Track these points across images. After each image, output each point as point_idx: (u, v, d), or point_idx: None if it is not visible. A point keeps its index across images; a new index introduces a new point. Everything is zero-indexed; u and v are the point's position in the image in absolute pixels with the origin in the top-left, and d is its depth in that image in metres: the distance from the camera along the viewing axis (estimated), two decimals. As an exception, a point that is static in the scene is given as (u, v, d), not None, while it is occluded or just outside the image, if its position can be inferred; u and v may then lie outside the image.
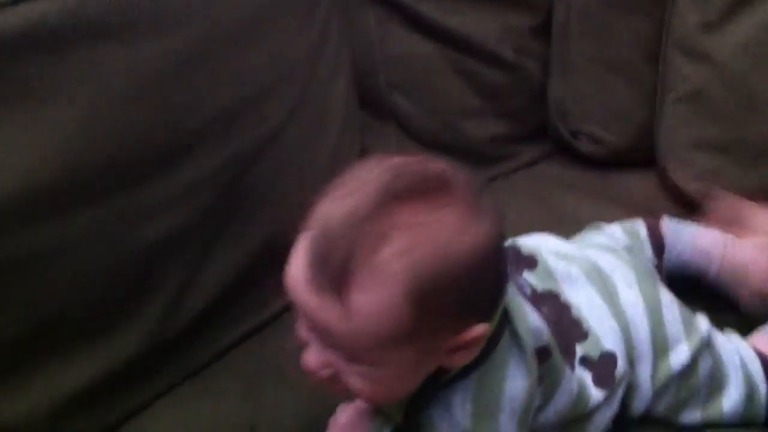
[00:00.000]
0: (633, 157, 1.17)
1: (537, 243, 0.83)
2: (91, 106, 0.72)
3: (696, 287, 0.91)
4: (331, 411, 0.75)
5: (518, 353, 0.68)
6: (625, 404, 0.78)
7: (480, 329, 0.62)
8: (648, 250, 0.91)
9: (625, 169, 1.17)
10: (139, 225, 0.76)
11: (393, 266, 0.58)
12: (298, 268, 0.60)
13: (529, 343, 0.68)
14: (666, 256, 0.91)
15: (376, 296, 0.58)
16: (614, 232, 0.91)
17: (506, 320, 0.68)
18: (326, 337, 0.62)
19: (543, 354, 0.70)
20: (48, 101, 0.70)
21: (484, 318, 0.63)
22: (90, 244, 0.72)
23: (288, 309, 0.82)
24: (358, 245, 0.58)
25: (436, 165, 0.63)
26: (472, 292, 0.61)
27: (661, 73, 1.12)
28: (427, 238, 0.59)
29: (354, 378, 0.63)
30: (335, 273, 0.58)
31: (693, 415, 0.80)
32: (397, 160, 0.63)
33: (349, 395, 0.68)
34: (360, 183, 0.60)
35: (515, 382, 0.67)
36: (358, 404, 0.76)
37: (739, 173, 1.07)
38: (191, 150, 0.78)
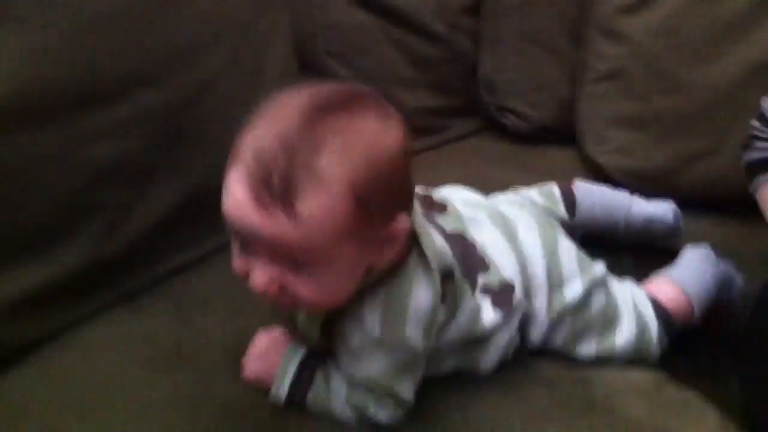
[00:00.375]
0: (555, 132, 1.25)
1: (449, 192, 0.90)
2: (43, 36, 0.76)
3: (605, 241, 1.00)
4: (251, 337, 0.79)
5: (424, 271, 0.73)
6: (524, 336, 0.84)
7: (405, 220, 0.68)
8: (561, 208, 0.98)
9: (549, 143, 1.25)
10: (84, 148, 0.79)
11: (333, 170, 0.63)
12: (238, 195, 0.64)
13: (434, 262, 0.73)
14: (577, 212, 0.99)
15: (322, 200, 0.62)
16: (530, 194, 0.98)
17: (415, 242, 0.74)
18: (276, 250, 0.65)
19: (446, 275, 0.75)
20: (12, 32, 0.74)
21: (407, 211, 0.70)
22: (38, 162, 0.76)
23: (222, 247, 0.87)
24: (295, 159, 0.62)
25: (343, 83, 0.69)
26: (397, 186, 0.68)
27: (582, 52, 1.20)
28: (357, 141, 0.64)
29: (300, 286, 0.67)
30: (279, 188, 0.62)
31: (588, 349, 0.86)
32: (307, 86, 0.68)
33: (294, 305, 0.72)
34: (280, 109, 0.65)
35: (420, 295, 0.72)
36: (274, 332, 0.81)
37: (652, 147, 1.15)
38: (134, 86, 0.83)
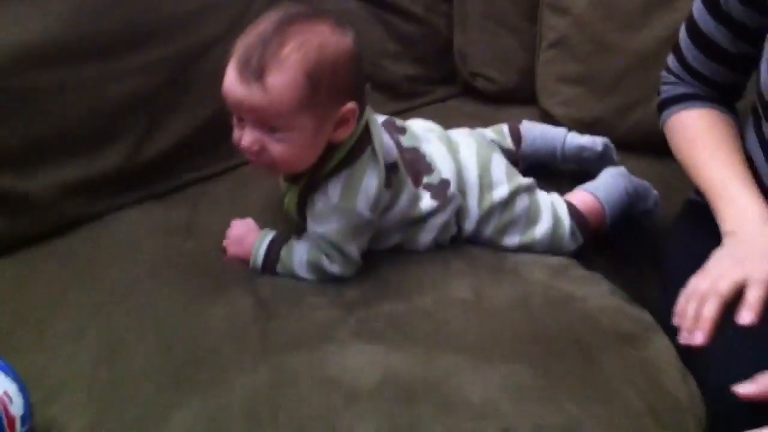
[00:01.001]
0: (518, 93, 1.49)
1: (412, 121, 1.16)
2: (81, 2, 1.08)
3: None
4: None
5: (374, 162, 0.99)
6: (459, 228, 1.09)
7: (351, 105, 0.95)
8: (508, 141, 1.22)
9: (513, 102, 1.49)
10: (114, 82, 1.11)
11: (292, 56, 0.91)
12: (229, 75, 0.93)
13: (381, 155, 0.99)
14: (522, 143, 1.23)
15: (284, 76, 0.91)
16: (484, 131, 1.22)
17: (368, 141, 0.99)
18: (254, 115, 0.93)
19: (392, 167, 1.02)
20: None
21: (356, 101, 0.96)
22: (74, 90, 1.08)
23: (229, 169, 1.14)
24: (267, 49, 0.91)
25: (313, 7, 0.98)
26: (345, 77, 0.95)
27: (536, 26, 1.44)
28: (311, 39, 0.93)
29: (275, 146, 0.94)
30: (254, 68, 0.91)
31: (512, 240, 1.10)
32: (285, 6, 0.96)
33: (271, 166, 0.97)
34: (262, 20, 0.95)
35: (370, 180, 0.98)
36: (247, 221, 1.07)
37: (595, 100, 1.38)
38: (147, 41, 1.14)
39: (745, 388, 0.79)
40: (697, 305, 0.90)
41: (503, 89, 1.50)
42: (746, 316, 0.86)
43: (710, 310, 0.88)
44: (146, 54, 1.13)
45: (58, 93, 1.05)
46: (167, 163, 1.15)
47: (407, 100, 1.49)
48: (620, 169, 1.21)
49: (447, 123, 1.19)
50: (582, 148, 1.24)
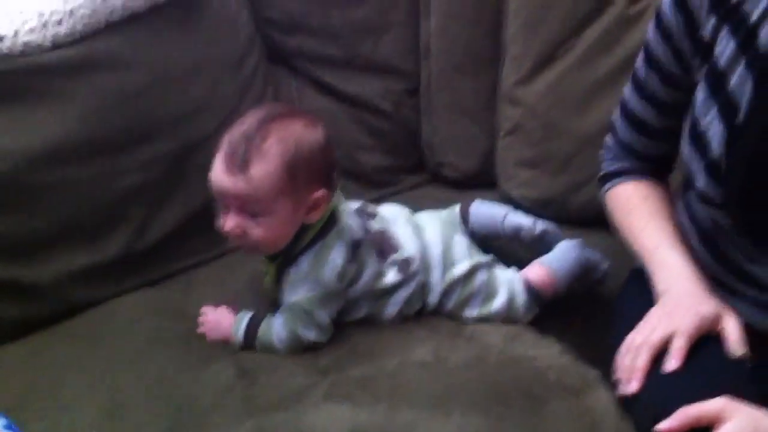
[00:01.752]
0: (481, 178, 1.63)
1: (382, 207, 1.30)
2: (90, 106, 1.23)
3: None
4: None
5: (340, 240, 1.14)
6: (423, 302, 1.21)
7: (323, 192, 1.10)
8: (458, 219, 1.34)
9: (477, 187, 1.62)
10: (118, 176, 1.26)
11: (272, 150, 1.06)
12: (216, 167, 1.09)
13: (347, 234, 1.14)
14: (469, 221, 1.34)
15: (264, 168, 1.06)
16: (443, 212, 1.35)
17: (337, 220, 1.14)
18: (238, 202, 1.08)
19: (357, 244, 1.16)
20: (66, 102, 1.21)
21: (326, 188, 1.10)
22: (85, 183, 1.22)
23: (218, 256, 1.28)
24: (251, 144, 1.07)
25: (291, 105, 1.12)
26: (317, 167, 1.10)
27: (494, 116, 1.60)
28: (289, 134, 1.08)
29: (255, 229, 1.09)
30: (239, 160, 1.06)
31: (472, 312, 1.22)
32: (264, 105, 1.14)
33: (252, 247, 1.11)
34: (246, 117, 1.11)
35: (337, 253, 1.13)
36: (220, 309, 1.19)
37: (548, 180, 1.51)
38: (150, 139, 1.29)
39: (664, 424, 0.90)
40: (632, 358, 1.02)
41: (467, 175, 1.64)
42: (671, 364, 0.98)
43: (642, 360, 1.00)
44: (145, 151, 1.28)
45: (67, 188, 1.21)
46: (163, 251, 1.29)
47: (379, 188, 1.63)
48: (575, 242, 1.33)
49: (416, 208, 1.32)
50: (519, 228, 1.33)
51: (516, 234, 1.34)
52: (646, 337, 1.02)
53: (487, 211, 1.37)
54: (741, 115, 0.96)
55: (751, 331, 1.00)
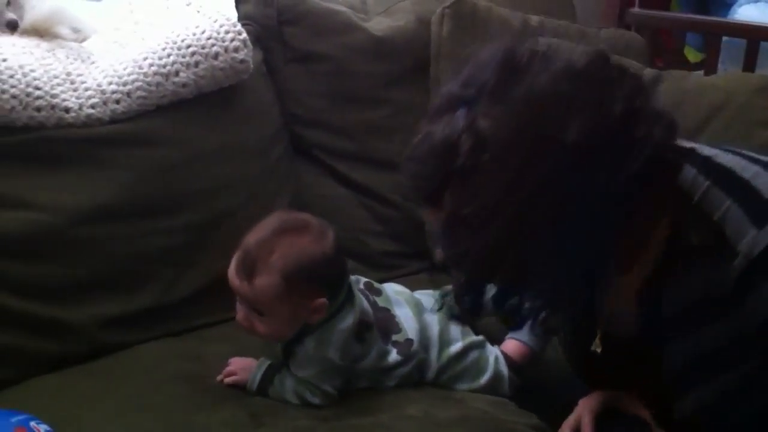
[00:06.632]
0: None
1: (387, 285, 1.45)
2: (133, 175, 1.41)
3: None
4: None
5: (346, 322, 1.27)
6: (422, 376, 1.34)
7: (322, 300, 1.24)
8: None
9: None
10: (148, 239, 1.42)
11: (276, 263, 1.21)
12: (231, 269, 1.24)
13: (357, 313, 1.28)
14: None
15: (267, 280, 1.21)
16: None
17: (349, 305, 1.28)
18: (246, 301, 1.24)
19: (366, 325, 1.30)
20: (114, 169, 1.39)
21: (327, 295, 1.24)
22: (123, 241, 1.39)
23: (232, 318, 1.42)
24: (259, 255, 1.22)
25: (304, 215, 1.30)
26: (318, 279, 1.24)
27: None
28: (293, 250, 1.23)
29: (260, 324, 1.24)
30: (248, 269, 1.22)
31: (462, 385, 1.35)
32: (283, 213, 1.31)
33: (258, 337, 1.27)
34: (264, 224, 1.26)
35: (340, 334, 1.26)
36: (244, 359, 1.31)
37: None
38: (181, 209, 1.46)
39: None
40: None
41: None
42: None
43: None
44: (176, 219, 1.45)
45: (107, 244, 1.37)
46: (186, 308, 1.43)
47: (386, 271, 1.76)
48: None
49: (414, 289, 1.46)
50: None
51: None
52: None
53: None
54: None
55: None
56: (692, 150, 1.01)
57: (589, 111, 0.90)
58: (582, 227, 0.92)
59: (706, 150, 1.01)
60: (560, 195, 0.90)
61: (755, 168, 0.96)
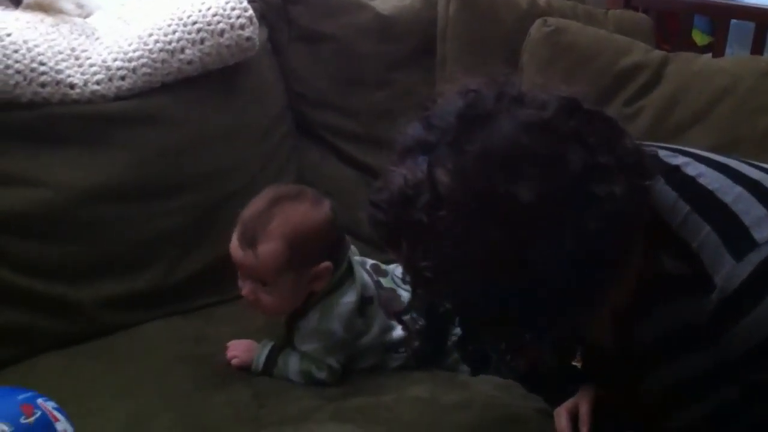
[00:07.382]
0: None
1: (391, 266, 1.43)
2: (136, 155, 1.40)
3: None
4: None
5: (349, 296, 1.27)
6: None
7: (325, 265, 1.23)
8: None
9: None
10: (152, 220, 1.41)
11: (277, 230, 1.21)
12: (233, 241, 1.24)
13: (359, 290, 1.28)
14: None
15: (270, 246, 1.21)
16: None
17: (347, 280, 1.28)
18: (249, 273, 1.22)
19: (368, 300, 1.30)
20: (118, 149, 1.38)
21: (330, 260, 1.24)
22: (126, 221, 1.38)
23: (234, 298, 1.41)
24: (258, 223, 1.22)
25: (298, 185, 1.30)
26: (319, 244, 1.24)
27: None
28: (292, 216, 1.23)
29: (265, 296, 1.23)
30: (249, 238, 1.21)
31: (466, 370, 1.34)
32: (277, 185, 1.30)
33: (264, 311, 1.26)
34: (261, 196, 1.26)
35: (344, 307, 1.26)
36: (243, 341, 1.32)
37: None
38: (183, 189, 1.45)
39: None
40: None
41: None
42: None
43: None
44: (179, 200, 1.44)
45: (110, 224, 1.36)
46: (189, 287, 1.43)
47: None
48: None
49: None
50: None
51: None
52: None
53: None
54: None
55: None
56: (677, 169, 0.95)
57: (544, 168, 0.82)
58: (558, 296, 0.83)
59: (691, 168, 0.95)
60: (521, 260, 0.82)
61: (737, 190, 0.91)
